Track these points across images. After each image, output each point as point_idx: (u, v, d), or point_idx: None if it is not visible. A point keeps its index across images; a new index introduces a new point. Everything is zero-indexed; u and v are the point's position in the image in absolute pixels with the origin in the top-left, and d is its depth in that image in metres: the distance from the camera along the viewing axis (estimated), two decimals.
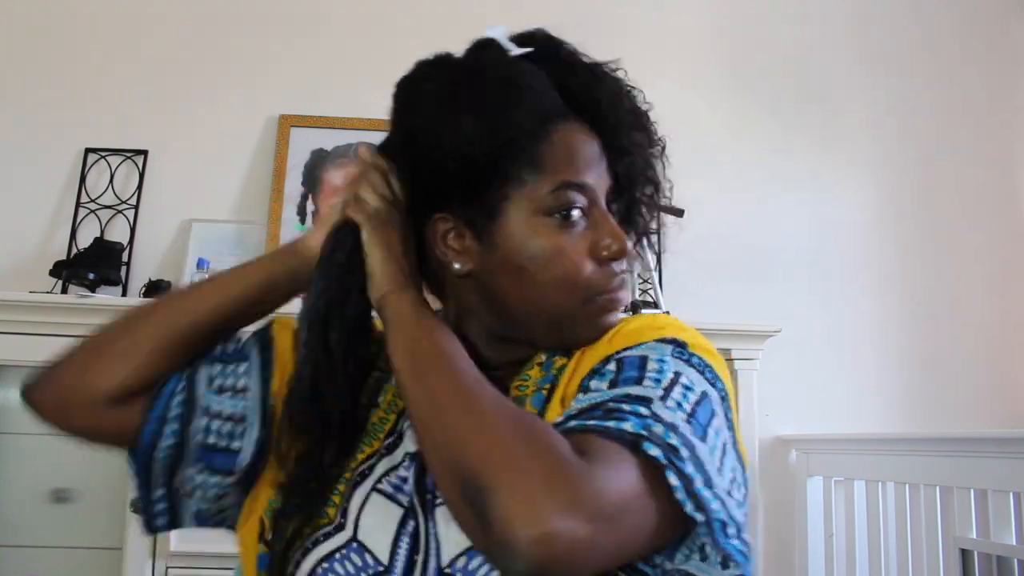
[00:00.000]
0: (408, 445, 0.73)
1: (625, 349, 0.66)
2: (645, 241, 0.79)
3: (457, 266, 0.72)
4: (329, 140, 2.37)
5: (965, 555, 1.71)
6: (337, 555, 0.66)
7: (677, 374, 0.63)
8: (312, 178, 2.35)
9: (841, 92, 2.65)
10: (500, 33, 0.73)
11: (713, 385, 0.65)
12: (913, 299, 2.55)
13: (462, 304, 0.74)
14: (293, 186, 2.33)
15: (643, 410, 0.58)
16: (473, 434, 0.56)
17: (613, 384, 0.62)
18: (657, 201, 0.77)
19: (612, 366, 0.64)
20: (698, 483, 0.56)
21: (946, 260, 2.58)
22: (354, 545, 0.66)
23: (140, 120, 2.38)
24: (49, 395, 0.77)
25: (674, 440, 0.57)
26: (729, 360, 2.09)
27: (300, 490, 0.71)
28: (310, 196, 2.33)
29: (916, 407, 2.46)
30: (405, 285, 0.71)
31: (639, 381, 0.61)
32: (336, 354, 0.71)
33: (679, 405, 0.60)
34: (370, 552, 0.66)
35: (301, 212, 2.32)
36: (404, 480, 0.70)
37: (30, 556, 1.98)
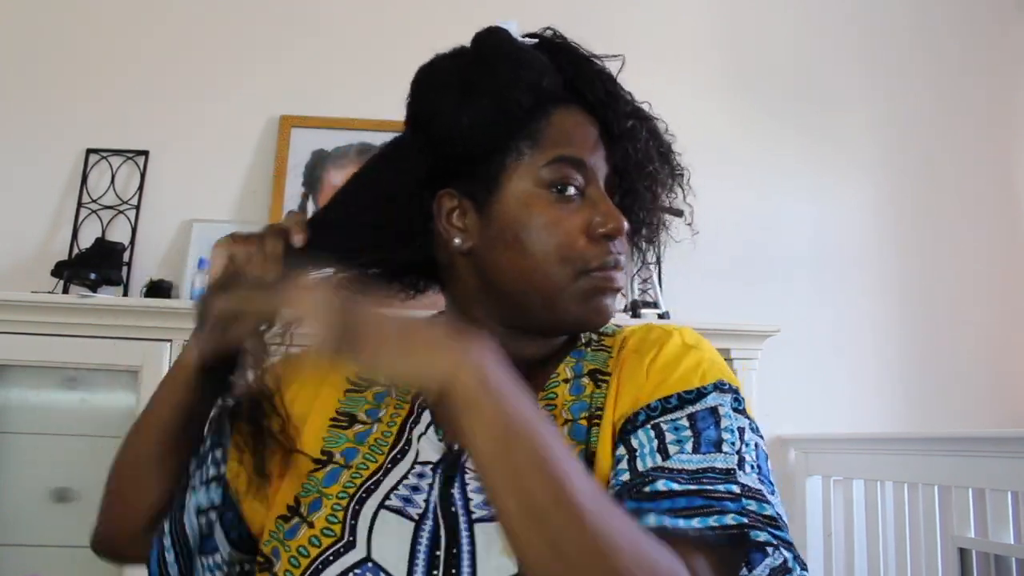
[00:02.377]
0: (428, 453, 0.71)
1: (687, 396, 0.67)
2: (646, 235, 0.79)
3: (458, 241, 0.73)
4: (329, 140, 2.37)
5: (963, 554, 1.71)
6: (351, 575, 0.64)
7: (740, 431, 0.66)
8: (312, 178, 2.35)
9: (841, 92, 2.65)
10: (510, 27, 0.75)
11: (755, 432, 0.68)
12: (913, 299, 2.55)
13: (466, 287, 0.75)
14: (293, 186, 2.34)
15: (735, 488, 0.61)
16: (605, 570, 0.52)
17: (696, 447, 0.64)
18: (657, 193, 0.78)
19: (684, 421, 0.66)
20: (792, 541, 0.60)
21: (946, 260, 2.59)
22: (369, 565, 0.64)
23: (141, 121, 2.38)
24: (105, 546, 0.80)
25: (768, 511, 0.61)
26: (729, 360, 2.09)
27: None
28: (310, 196, 2.34)
29: (915, 407, 2.47)
30: (460, 336, 0.57)
31: (719, 446, 0.64)
32: None
33: (752, 467, 0.64)
34: (386, 572, 0.64)
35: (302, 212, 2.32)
36: (414, 489, 0.68)
37: (30, 556, 1.98)
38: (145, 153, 2.36)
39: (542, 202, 0.70)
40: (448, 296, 0.78)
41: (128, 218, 2.30)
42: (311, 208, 2.33)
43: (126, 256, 2.24)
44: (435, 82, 0.74)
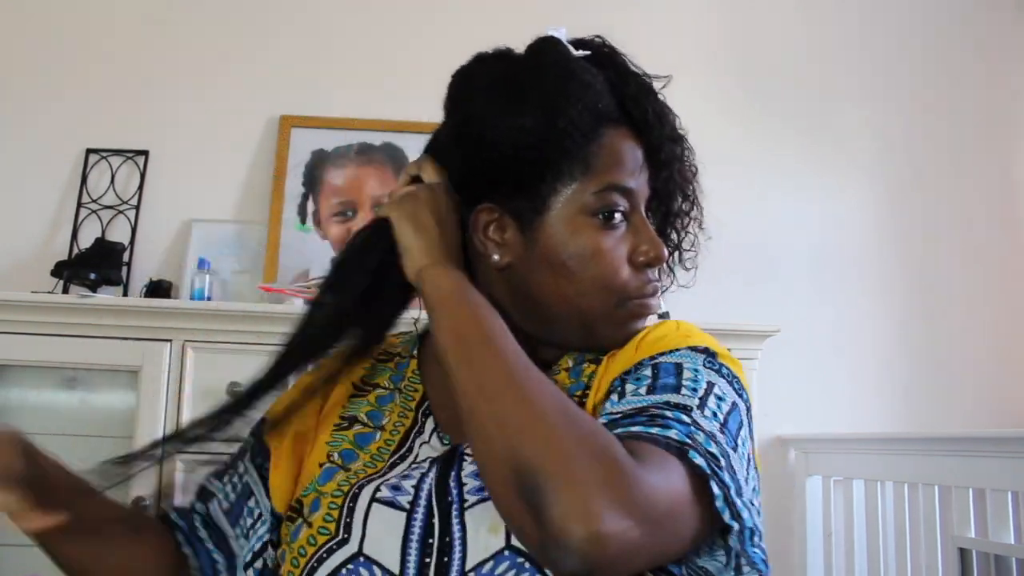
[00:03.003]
0: (428, 455, 0.72)
1: (659, 355, 0.67)
2: (678, 257, 0.81)
3: (496, 257, 0.72)
4: (329, 140, 2.37)
5: (963, 554, 1.71)
6: (344, 570, 0.65)
7: (711, 384, 0.65)
8: (312, 178, 2.35)
9: (841, 92, 2.65)
10: (561, 34, 0.74)
11: (740, 396, 0.67)
12: (913, 299, 2.55)
13: (494, 299, 0.74)
14: (293, 186, 2.34)
15: (685, 418, 0.60)
16: (529, 426, 0.55)
17: (651, 389, 0.63)
18: (692, 218, 0.80)
19: (648, 371, 0.66)
20: (733, 492, 0.58)
21: (946, 260, 2.58)
22: (361, 559, 0.65)
23: (141, 120, 2.38)
24: None
25: (714, 449, 0.59)
26: None
27: None
28: (310, 196, 2.34)
29: (915, 407, 2.47)
30: (443, 259, 0.70)
31: (677, 389, 0.63)
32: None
33: (714, 415, 0.62)
34: (379, 564, 0.65)
35: (301, 212, 2.32)
36: (404, 477, 0.69)
37: (30, 556, 1.97)
38: (145, 153, 2.35)
39: (589, 229, 0.70)
40: None
41: (128, 218, 2.30)
42: (311, 208, 2.33)
43: (126, 256, 2.24)
44: (480, 83, 0.73)
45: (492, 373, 0.60)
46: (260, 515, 0.77)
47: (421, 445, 0.73)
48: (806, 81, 2.64)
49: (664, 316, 2.26)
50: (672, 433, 0.58)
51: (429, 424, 0.75)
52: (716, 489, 0.57)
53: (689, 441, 0.57)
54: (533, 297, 0.72)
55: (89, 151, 2.34)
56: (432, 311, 0.67)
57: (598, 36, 0.76)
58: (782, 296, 2.47)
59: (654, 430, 0.58)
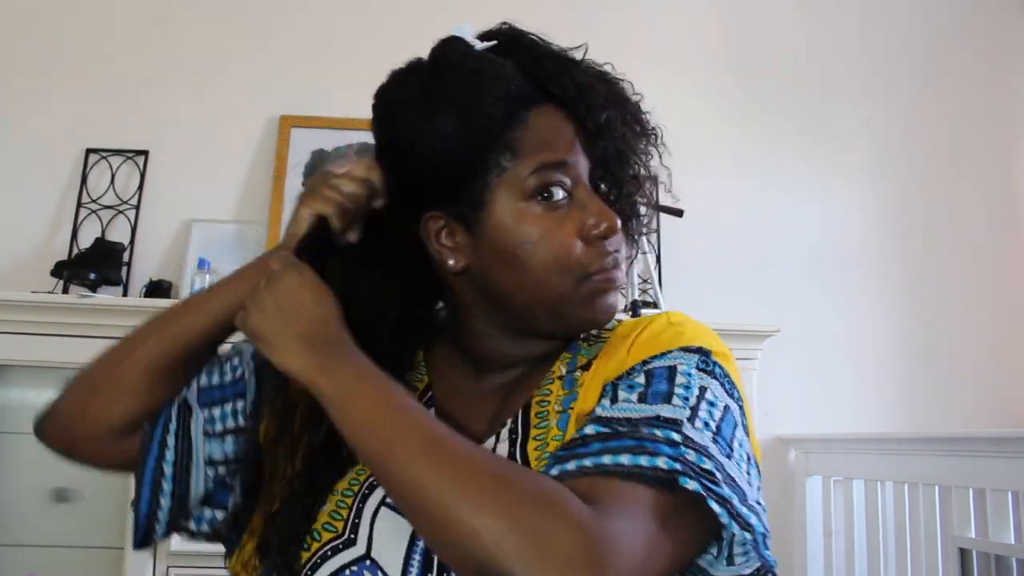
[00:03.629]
0: None
1: (652, 358, 0.66)
2: (636, 226, 0.78)
3: (452, 262, 0.71)
4: (329, 140, 2.37)
5: (964, 554, 1.71)
6: (348, 571, 0.65)
7: (703, 389, 0.64)
8: None
9: (842, 92, 2.65)
10: (464, 31, 0.74)
11: (731, 395, 0.66)
12: (913, 299, 2.56)
13: (463, 301, 0.74)
14: (293, 186, 2.34)
15: (675, 436, 0.59)
16: (483, 520, 0.54)
17: (643, 397, 0.62)
18: (643, 183, 0.76)
19: (640, 377, 0.65)
20: (736, 503, 0.58)
21: (946, 260, 2.59)
22: (367, 563, 0.65)
23: (141, 120, 2.38)
24: (54, 433, 0.77)
25: (708, 464, 0.58)
26: None
27: (295, 505, 0.70)
28: None
29: (915, 407, 2.47)
30: (327, 353, 0.65)
31: (668, 398, 0.62)
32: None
33: (706, 424, 0.61)
34: (383, 570, 0.65)
35: None
36: None
37: (30, 556, 1.98)
38: (145, 153, 2.36)
39: (532, 215, 0.69)
40: (448, 309, 0.78)
41: (128, 218, 2.30)
42: None
43: (126, 256, 2.24)
44: (397, 101, 0.73)
45: (425, 475, 0.57)
46: (244, 427, 0.76)
47: None
48: (806, 81, 2.64)
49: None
50: (660, 462, 0.57)
51: (431, 413, 0.75)
52: (716, 507, 0.57)
53: (678, 466, 0.57)
54: (497, 294, 0.71)
55: (89, 151, 2.35)
56: (337, 421, 0.63)
57: (504, 23, 0.76)
58: (782, 296, 2.47)
59: (642, 460, 0.57)
